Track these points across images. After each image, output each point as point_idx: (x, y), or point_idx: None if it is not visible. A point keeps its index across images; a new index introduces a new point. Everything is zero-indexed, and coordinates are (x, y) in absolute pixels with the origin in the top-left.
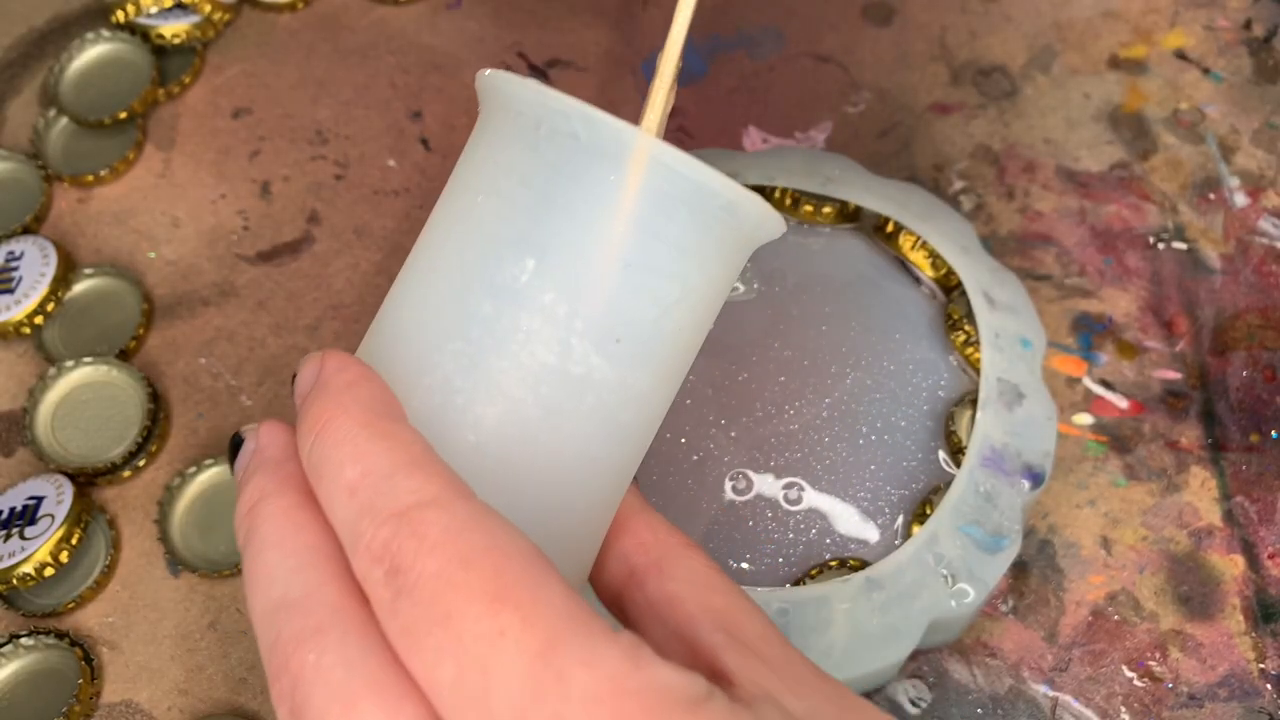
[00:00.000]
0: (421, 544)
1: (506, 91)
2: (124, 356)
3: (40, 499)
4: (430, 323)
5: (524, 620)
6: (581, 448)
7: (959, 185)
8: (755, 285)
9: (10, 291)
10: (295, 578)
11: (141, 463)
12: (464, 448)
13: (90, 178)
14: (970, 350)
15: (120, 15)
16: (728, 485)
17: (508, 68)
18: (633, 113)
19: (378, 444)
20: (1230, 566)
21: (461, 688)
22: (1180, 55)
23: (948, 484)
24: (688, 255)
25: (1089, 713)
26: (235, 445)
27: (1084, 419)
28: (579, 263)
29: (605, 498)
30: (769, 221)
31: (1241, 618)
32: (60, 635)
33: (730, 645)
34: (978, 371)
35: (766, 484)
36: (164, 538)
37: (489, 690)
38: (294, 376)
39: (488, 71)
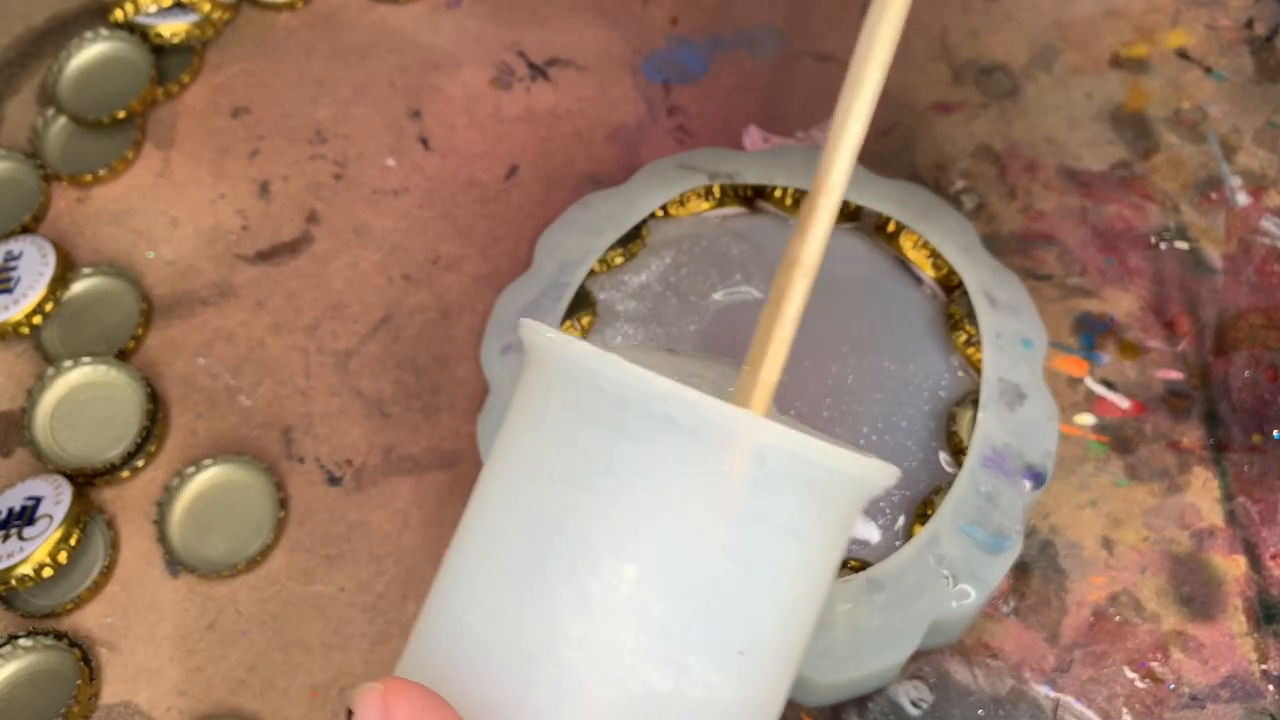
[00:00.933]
0: None
1: (576, 361)
2: (123, 356)
3: (39, 499)
4: (508, 642)
5: None
6: None
7: (960, 185)
8: (758, 288)
9: (9, 291)
10: None
11: (140, 463)
12: None
13: (89, 177)
14: (971, 350)
15: (119, 14)
16: None
17: (510, 68)
18: (633, 112)
19: None
20: (1232, 567)
21: None
22: (1182, 54)
23: (949, 484)
24: (813, 543)
25: (1090, 714)
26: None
27: (1086, 419)
28: (691, 568)
29: None
30: (886, 479)
31: (1243, 618)
32: (59, 636)
33: None
34: (979, 372)
35: None
36: (163, 538)
37: None
38: (347, 713)
39: (540, 330)
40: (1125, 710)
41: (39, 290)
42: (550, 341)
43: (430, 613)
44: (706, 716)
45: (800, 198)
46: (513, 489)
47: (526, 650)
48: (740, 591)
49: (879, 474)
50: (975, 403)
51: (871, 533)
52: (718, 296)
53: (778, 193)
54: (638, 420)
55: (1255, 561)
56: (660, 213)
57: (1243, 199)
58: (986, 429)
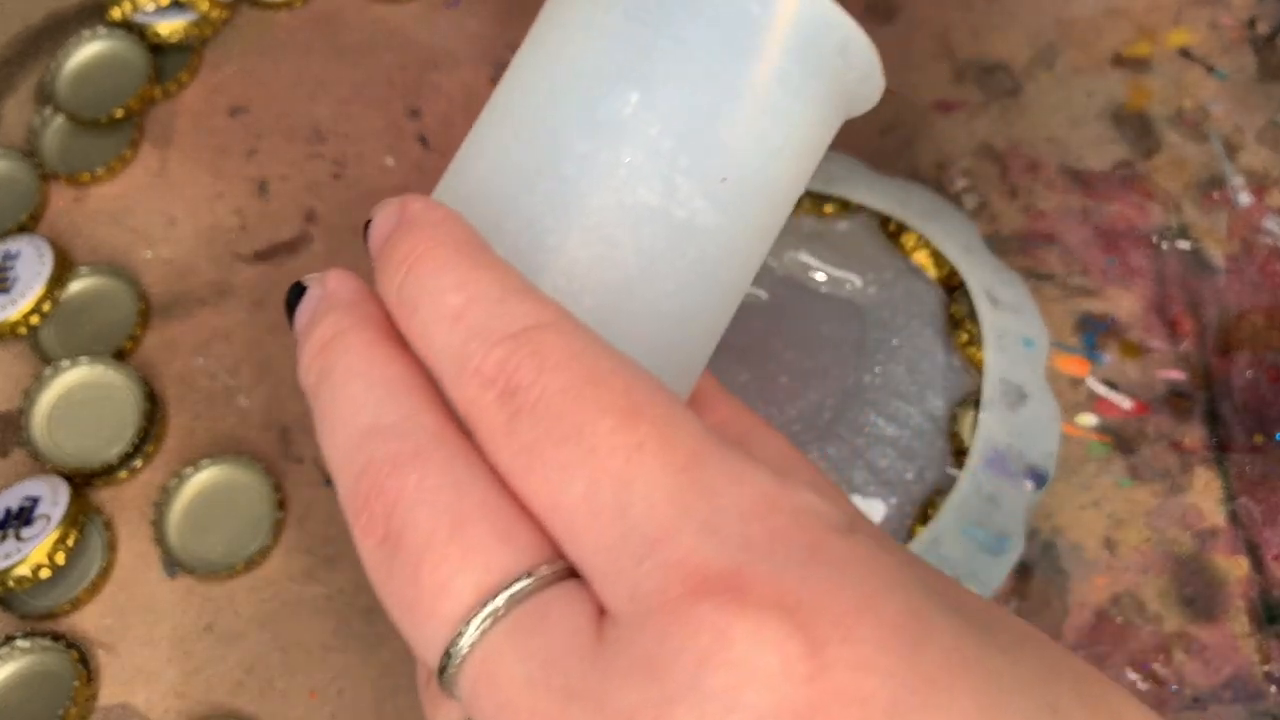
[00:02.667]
0: (544, 361)
1: None
2: (120, 356)
3: (36, 500)
4: (519, 161)
5: (662, 436)
6: (680, 301)
7: (962, 184)
8: (757, 288)
9: (6, 291)
10: (387, 405)
11: (138, 463)
12: (553, 294)
13: (86, 176)
14: (973, 350)
15: (117, 13)
16: None
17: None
18: None
19: (483, 271)
20: (1234, 568)
21: (595, 503)
22: (1184, 53)
23: (951, 485)
24: (798, 97)
25: None
26: (296, 294)
27: (1088, 419)
28: (687, 96)
29: (695, 359)
30: (873, 76)
31: (1246, 619)
32: (56, 637)
33: None
34: (980, 371)
35: None
36: (160, 539)
37: (628, 504)
38: (366, 224)
39: None
40: None
41: (36, 290)
42: None
43: (460, 154)
44: (687, 236)
45: (801, 197)
46: (532, 46)
47: (534, 166)
48: (730, 123)
49: (866, 51)
50: (977, 403)
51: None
52: None
53: None
54: None
55: (1258, 562)
56: None
57: (1245, 198)
58: (988, 430)
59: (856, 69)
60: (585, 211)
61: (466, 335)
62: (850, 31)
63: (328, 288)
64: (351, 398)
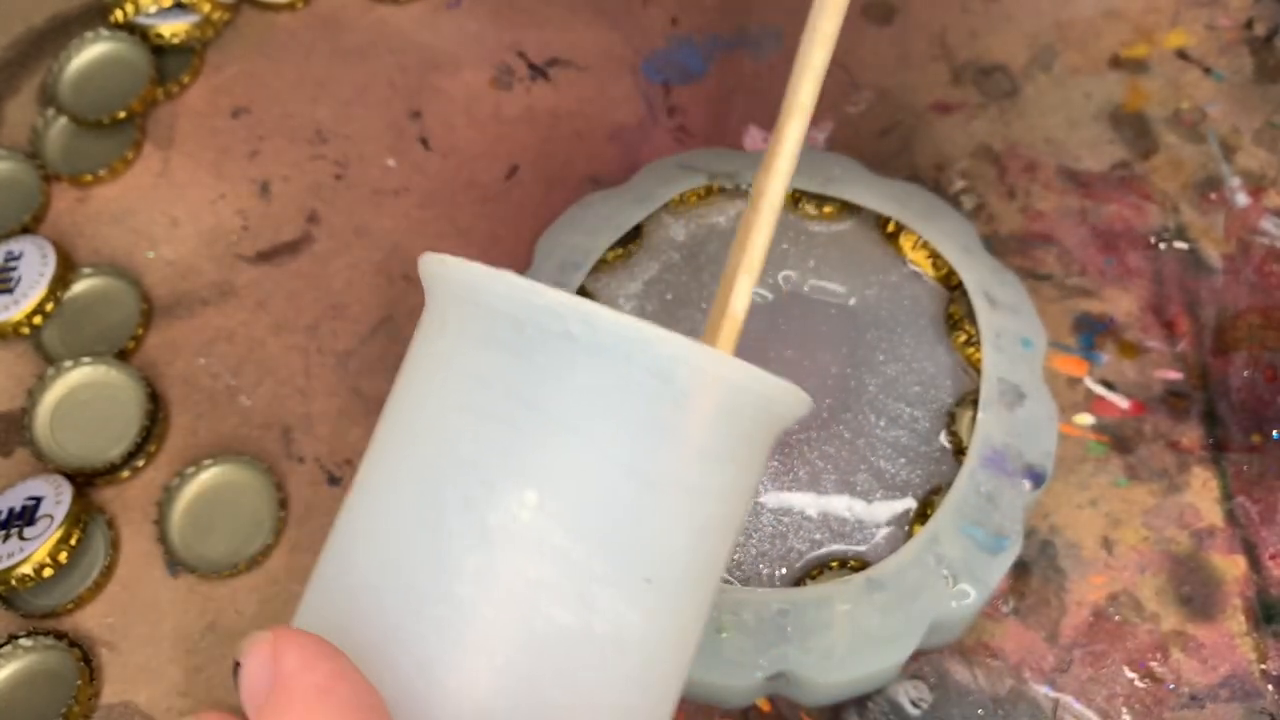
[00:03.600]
0: None
1: (470, 284)
2: (123, 356)
3: (39, 499)
4: (400, 580)
5: None
6: (620, 716)
7: (960, 185)
8: (759, 287)
9: (9, 291)
10: None
11: (140, 463)
12: None
13: (89, 177)
14: (971, 350)
15: (119, 15)
16: None
17: (510, 68)
18: (633, 112)
19: None
20: (1232, 567)
21: None
22: (1182, 54)
23: (949, 484)
24: (721, 463)
25: (1090, 714)
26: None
27: (1085, 419)
28: (592, 490)
29: None
30: (799, 406)
31: (1243, 618)
32: (59, 636)
33: None
34: (979, 371)
35: (767, 484)
36: (163, 538)
37: None
38: (235, 665)
39: (436, 258)
40: (1125, 710)
41: (39, 290)
42: (446, 267)
43: (323, 559)
44: (614, 653)
45: (800, 198)
46: (401, 420)
47: (419, 589)
48: (647, 516)
49: (789, 397)
50: (975, 403)
51: (871, 533)
52: None
53: None
54: (535, 339)
55: (1255, 561)
56: (660, 213)
57: (1242, 199)
58: (986, 429)
59: (782, 409)
60: (489, 643)
61: None
62: (772, 388)
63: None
64: None
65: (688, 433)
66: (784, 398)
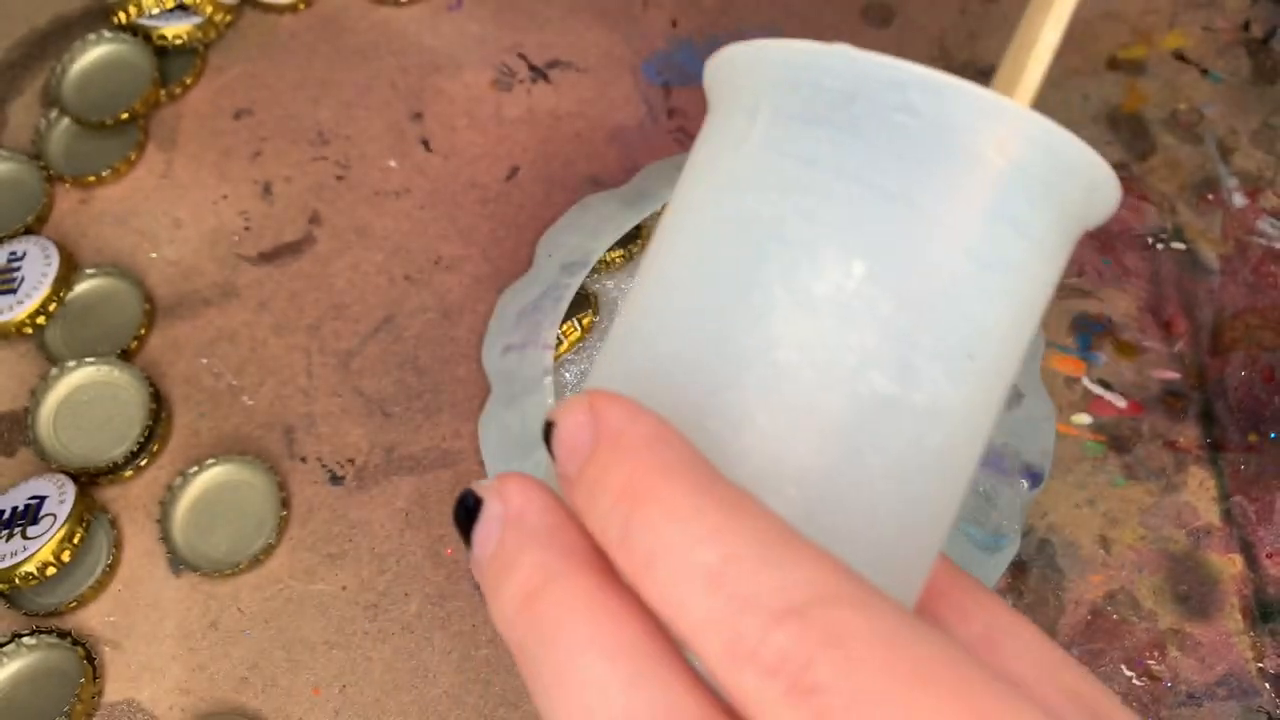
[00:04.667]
0: (850, 653)
1: (794, 61)
2: (126, 357)
3: (42, 498)
4: (719, 350)
5: None
6: (929, 506)
7: None
8: None
9: (12, 292)
10: (639, 689)
11: (143, 462)
12: (781, 508)
13: (92, 178)
14: None
15: (122, 16)
16: None
17: (510, 69)
18: (633, 113)
19: (734, 519)
20: (1228, 566)
21: None
22: (1179, 56)
23: None
24: (1041, 247)
25: None
26: (466, 508)
27: (1083, 419)
28: (923, 263)
29: (934, 556)
30: (1113, 199)
31: (1240, 617)
32: (62, 634)
33: None
34: None
35: None
36: (165, 537)
37: None
38: (546, 426)
39: (752, 44)
40: None
41: (42, 291)
42: (764, 48)
43: (616, 340)
44: (932, 426)
45: None
46: (713, 205)
47: (741, 355)
48: (975, 293)
49: (1110, 188)
50: None
51: None
52: None
53: None
54: (871, 116)
55: (1252, 560)
56: (661, 213)
57: (1239, 200)
58: None
59: (1102, 202)
60: (812, 408)
61: (732, 605)
62: (1099, 171)
63: (511, 505)
64: (587, 677)
65: (1018, 212)
66: (1106, 187)
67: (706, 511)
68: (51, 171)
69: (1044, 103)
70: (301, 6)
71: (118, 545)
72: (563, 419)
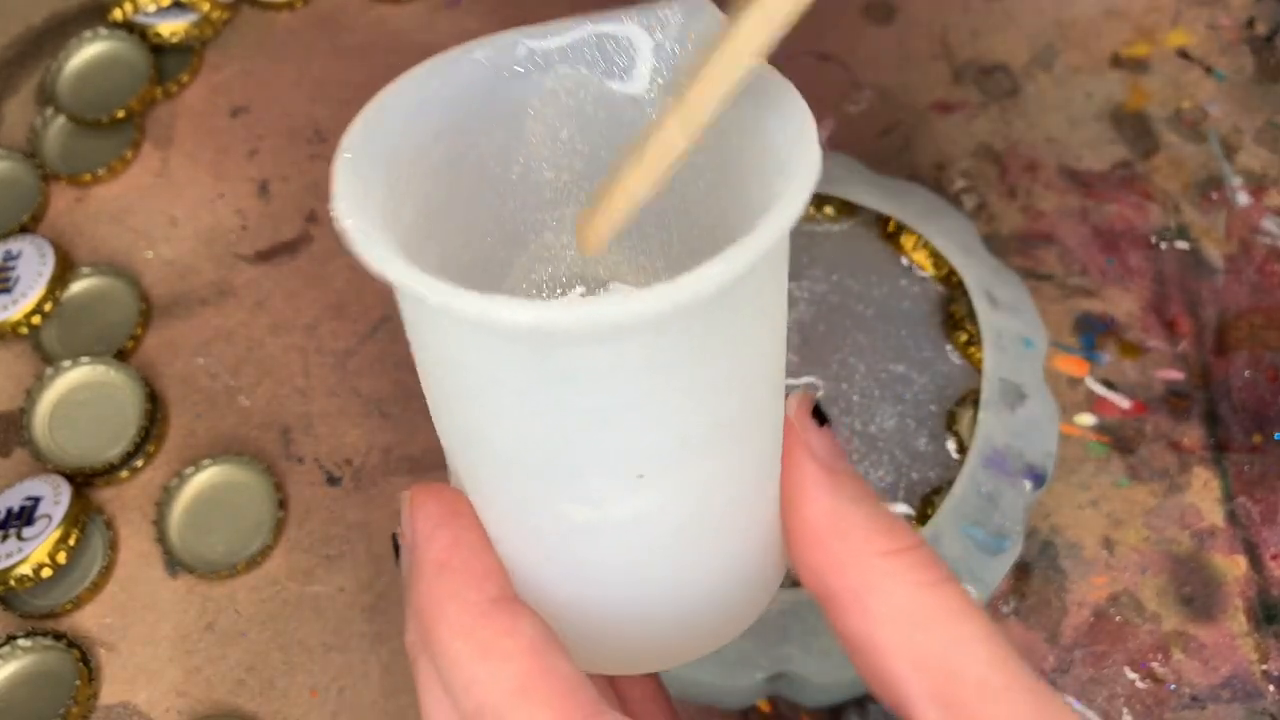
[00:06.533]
0: None
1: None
2: (121, 356)
3: (38, 499)
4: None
5: None
6: (709, 564)
7: (961, 184)
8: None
9: (8, 291)
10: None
11: (139, 463)
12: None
13: (88, 177)
14: (972, 350)
15: (118, 14)
16: None
17: None
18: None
19: (479, 665)
20: (1233, 567)
21: None
22: (1183, 54)
23: (949, 484)
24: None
25: (1091, 714)
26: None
27: (1086, 419)
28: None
29: (754, 574)
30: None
31: (1244, 619)
32: (58, 636)
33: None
34: (980, 371)
35: None
36: (162, 538)
37: None
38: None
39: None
40: (1126, 710)
41: (38, 290)
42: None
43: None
44: (650, 523)
45: None
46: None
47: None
48: (583, 440)
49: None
50: (976, 403)
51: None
52: None
53: None
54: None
55: (1256, 561)
56: None
57: (1243, 199)
58: (987, 429)
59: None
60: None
61: None
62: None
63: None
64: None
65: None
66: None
67: (460, 654)
68: (47, 170)
69: (1046, 101)
70: (299, 4)
71: (113, 546)
72: (402, 517)
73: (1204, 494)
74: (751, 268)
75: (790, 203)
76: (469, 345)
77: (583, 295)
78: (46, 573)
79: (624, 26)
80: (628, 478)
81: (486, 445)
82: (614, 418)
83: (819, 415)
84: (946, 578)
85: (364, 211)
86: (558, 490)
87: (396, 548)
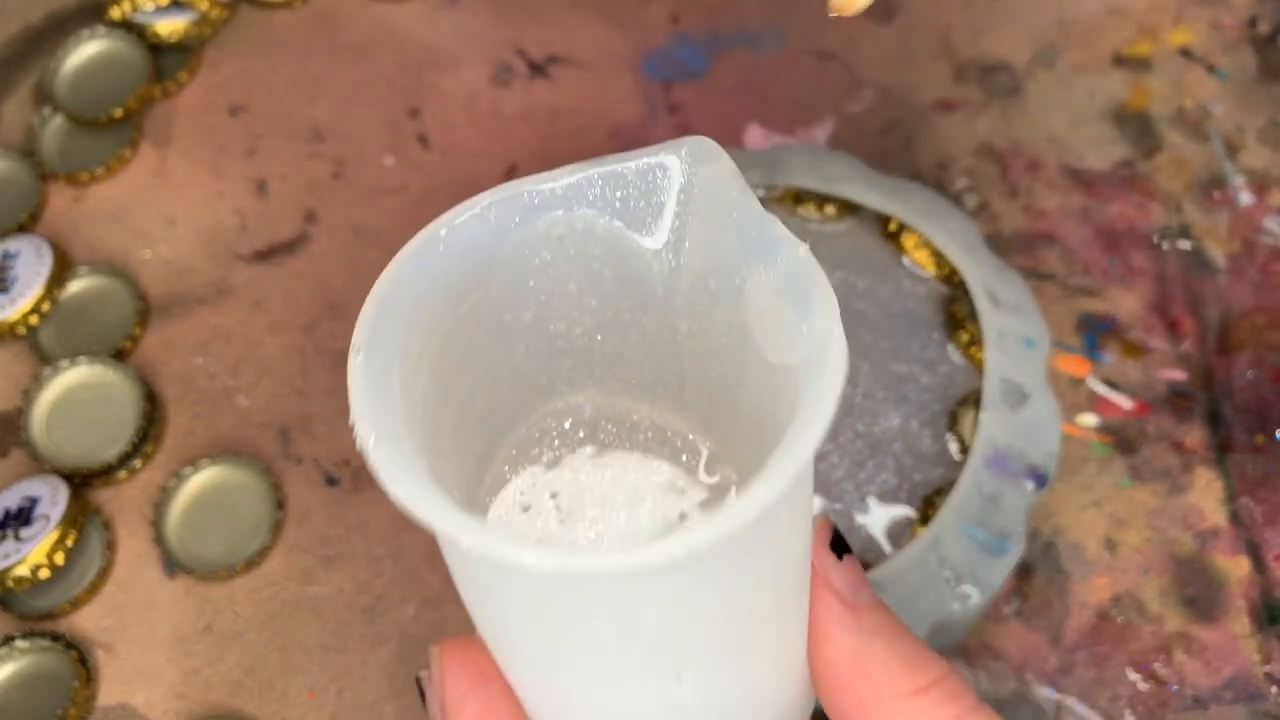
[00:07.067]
0: None
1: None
2: (120, 356)
3: (35, 500)
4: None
5: None
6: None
7: (962, 183)
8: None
9: (5, 291)
10: None
11: (137, 463)
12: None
13: (85, 176)
14: (974, 350)
15: (116, 12)
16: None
17: (509, 66)
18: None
19: None
20: (1235, 568)
21: None
22: (1185, 53)
23: (951, 485)
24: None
25: (1093, 715)
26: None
27: (1088, 419)
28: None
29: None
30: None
31: (1247, 620)
32: (55, 638)
33: None
34: (981, 371)
35: None
36: (160, 539)
37: None
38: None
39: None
40: (1128, 712)
41: (35, 290)
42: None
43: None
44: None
45: (801, 196)
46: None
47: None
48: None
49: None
50: (977, 403)
51: (872, 534)
52: None
53: (779, 191)
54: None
55: (1259, 563)
56: None
57: (1246, 198)
58: (989, 429)
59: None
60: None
61: None
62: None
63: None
64: None
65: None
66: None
67: None
68: (45, 169)
69: (1048, 100)
70: (297, 3)
71: (111, 547)
72: (430, 677)
73: (1206, 494)
74: (784, 494)
75: (810, 427)
76: (503, 581)
77: (592, 456)
78: (44, 574)
79: (630, 168)
80: (663, 679)
81: (521, 655)
82: (651, 639)
83: (838, 546)
84: (974, 707)
85: (386, 412)
86: (591, 691)
87: (422, 692)
